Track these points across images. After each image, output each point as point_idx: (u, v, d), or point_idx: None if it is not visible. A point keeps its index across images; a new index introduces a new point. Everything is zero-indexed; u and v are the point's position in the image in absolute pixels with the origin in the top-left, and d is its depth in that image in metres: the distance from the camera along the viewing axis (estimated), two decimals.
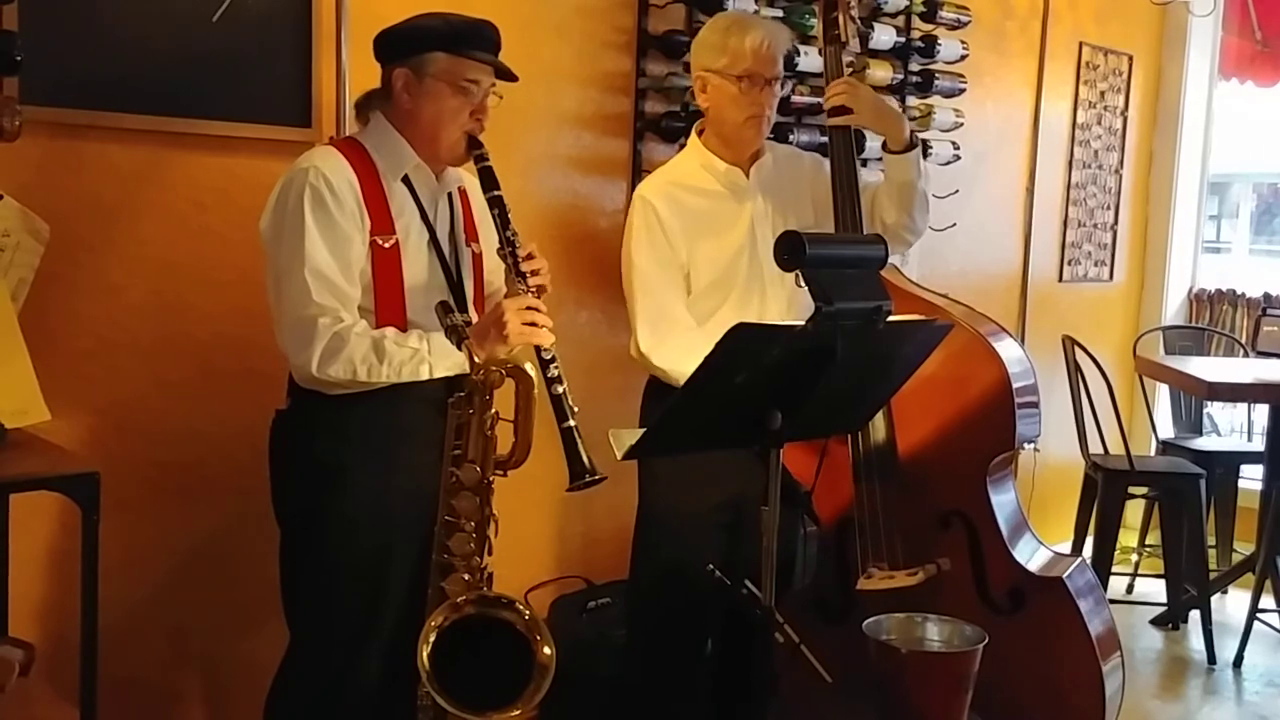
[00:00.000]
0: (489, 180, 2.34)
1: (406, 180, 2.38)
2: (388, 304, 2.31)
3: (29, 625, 2.49)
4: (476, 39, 2.34)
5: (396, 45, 2.36)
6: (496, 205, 2.33)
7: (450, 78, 2.32)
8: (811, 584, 3.02)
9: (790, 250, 2.03)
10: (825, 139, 3.99)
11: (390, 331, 2.27)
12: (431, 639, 2.12)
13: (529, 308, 2.27)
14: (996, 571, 2.84)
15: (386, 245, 2.31)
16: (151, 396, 2.71)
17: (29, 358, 2.35)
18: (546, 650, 2.16)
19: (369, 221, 2.29)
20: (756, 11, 3.64)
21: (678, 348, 2.68)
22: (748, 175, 2.87)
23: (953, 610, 2.72)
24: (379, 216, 2.31)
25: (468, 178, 2.50)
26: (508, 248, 2.32)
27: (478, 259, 2.52)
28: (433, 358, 2.26)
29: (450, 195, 2.48)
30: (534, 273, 2.33)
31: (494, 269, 2.54)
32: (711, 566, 2.38)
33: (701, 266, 2.80)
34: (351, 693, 2.35)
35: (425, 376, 2.26)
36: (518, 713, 2.14)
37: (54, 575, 2.55)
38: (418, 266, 2.36)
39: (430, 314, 2.27)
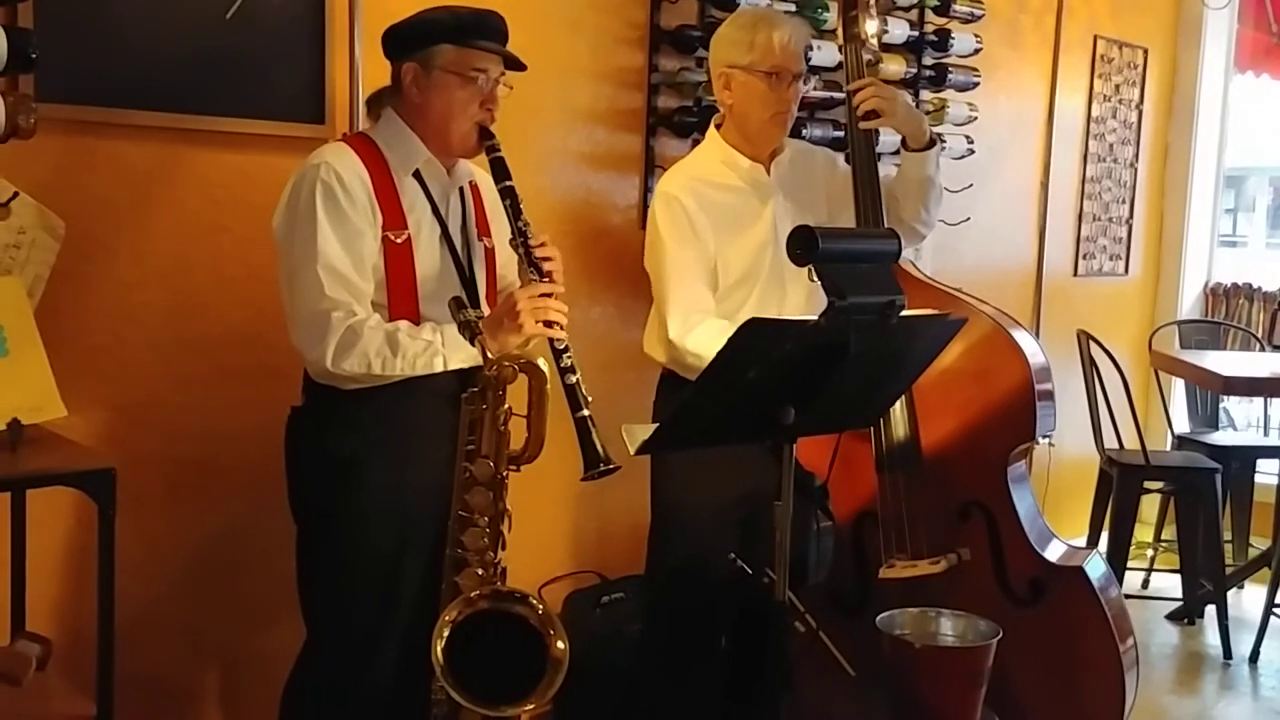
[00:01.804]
0: (501, 171, 2.35)
1: (418, 175, 2.38)
2: (400, 299, 2.32)
3: (46, 620, 2.51)
4: (483, 29, 2.34)
5: (404, 40, 2.37)
6: (508, 195, 2.34)
7: (458, 69, 2.33)
8: (828, 577, 3.01)
9: (804, 245, 2.03)
10: (839, 134, 4.02)
11: (404, 324, 2.27)
12: (445, 634, 2.12)
13: (542, 295, 2.27)
14: (1016, 562, 2.85)
15: (399, 240, 2.31)
16: (166, 393, 2.72)
17: (45, 354, 2.36)
18: (560, 645, 2.16)
19: (381, 217, 2.30)
20: (770, 5, 3.63)
21: (709, 332, 2.68)
22: (768, 171, 2.86)
23: (973, 601, 2.73)
24: (391, 212, 2.32)
25: (479, 172, 2.51)
26: (520, 238, 2.33)
27: (490, 253, 2.52)
28: (446, 350, 2.26)
29: (462, 190, 2.48)
30: (546, 260, 2.33)
31: (507, 263, 2.54)
32: (733, 555, 2.38)
33: (730, 262, 2.80)
34: (367, 688, 2.35)
35: (440, 368, 2.27)
36: (531, 707, 2.14)
37: (71, 571, 2.57)
38: (430, 261, 2.36)
39: (443, 308, 2.27)
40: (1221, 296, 6.22)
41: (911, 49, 4.28)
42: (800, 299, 2.82)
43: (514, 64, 2.38)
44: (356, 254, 2.26)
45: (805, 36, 2.84)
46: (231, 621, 2.87)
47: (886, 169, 3.16)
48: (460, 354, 2.27)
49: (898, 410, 2.86)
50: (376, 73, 2.78)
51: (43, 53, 2.32)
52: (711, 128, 2.92)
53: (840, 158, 3.09)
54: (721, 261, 2.79)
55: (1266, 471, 5.15)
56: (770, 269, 2.82)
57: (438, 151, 2.39)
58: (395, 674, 2.37)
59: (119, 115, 2.58)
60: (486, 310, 2.41)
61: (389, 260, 2.31)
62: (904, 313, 2.11)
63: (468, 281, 2.42)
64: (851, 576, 2.95)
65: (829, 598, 2.94)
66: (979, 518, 2.86)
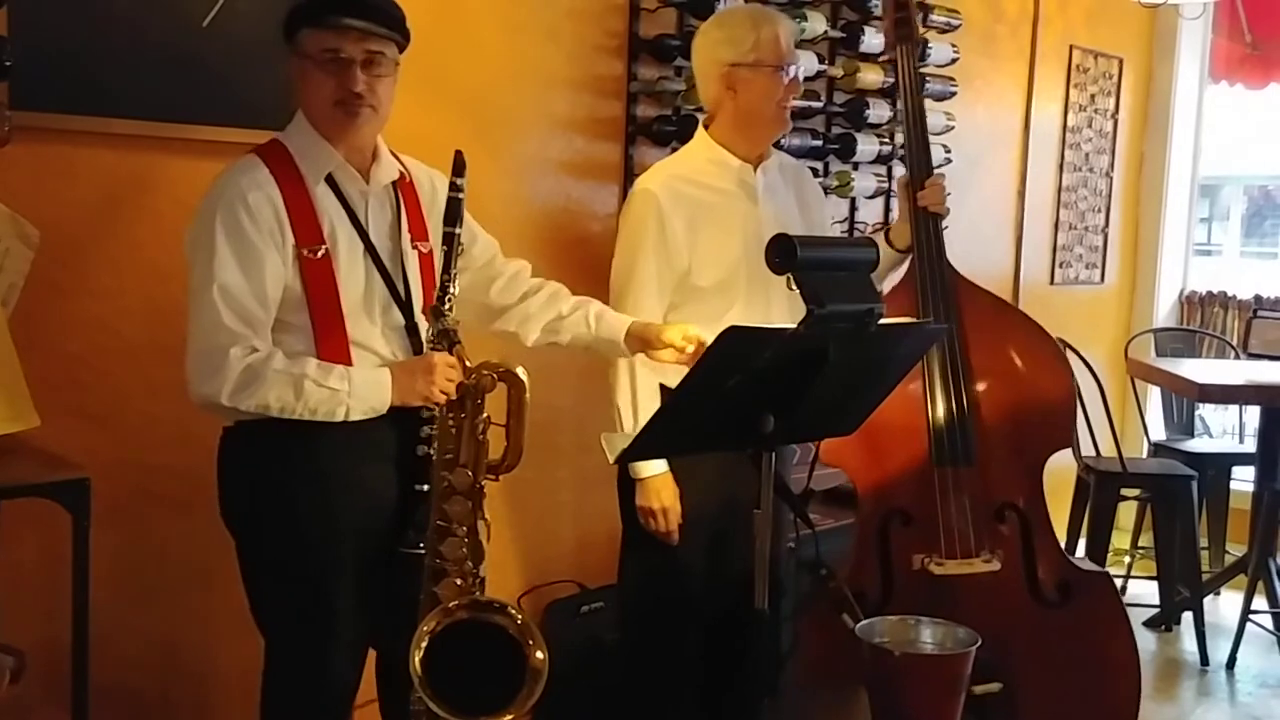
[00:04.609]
0: (452, 214, 2.21)
1: (332, 181, 2.22)
2: (324, 318, 2.18)
3: (19, 632, 2.48)
4: (333, 5, 2.14)
5: (285, 30, 2.22)
6: (447, 242, 2.21)
7: (314, 50, 2.16)
8: (850, 576, 2.98)
9: (782, 253, 2.03)
10: (817, 143, 4.03)
11: (312, 367, 2.12)
12: (424, 644, 2.11)
13: (454, 367, 2.20)
14: (1047, 565, 2.92)
15: (316, 256, 2.16)
16: (142, 402, 2.70)
17: (19, 363, 2.34)
18: (539, 655, 2.16)
19: (293, 234, 2.15)
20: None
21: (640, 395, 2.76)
22: (755, 173, 2.85)
23: (1001, 602, 2.81)
24: (304, 226, 2.16)
25: (414, 165, 2.37)
26: (440, 293, 2.21)
27: (426, 259, 2.33)
28: (352, 400, 2.13)
29: (393, 190, 2.32)
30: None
31: (487, 247, 2.50)
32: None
33: (705, 261, 2.75)
34: (325, 688, 2.30)
35: (341, 418, 2.14)
36: (510, 718, 2.13)
37: (45, 582, 2.54)
38: (353, 275, 2.21)
39: (371, 326, 2.21)
40: (1196, 304, 6.27)
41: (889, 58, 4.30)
42: (783, 307, 2.80)
43: (374, 33, 2.17)
44: (257, 280, 2.11)
45: (795, 31, 2.91)
46: (208, 632, 2.85)
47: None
48: (365, 405, 2.15)
49: (962, 403, 2.90)
50: None
51: (17, 60, 2.31)
52: (700, 128, 2.89)
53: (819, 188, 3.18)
54: (696, 261, 2.75)
55: (1242, 478, 5.17)
56: (757, 274, 2.80)
57: (335, 145, 2.22)
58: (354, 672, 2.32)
59: (95, 123, 2.56)
60: (423, 324, 2.28)
61: (308, 278, 2.16)
62: (882, 320, 2.12)
63: (398, 294, 2.27)
64: (875, 576, 2.94)
65: (848, 598, 2.94)
66: (1013, 520, 2.93)
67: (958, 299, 2.97)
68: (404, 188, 2.34)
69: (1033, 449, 2.98)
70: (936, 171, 3.05)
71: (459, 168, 2.22)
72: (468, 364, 2.20)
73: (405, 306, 2.28)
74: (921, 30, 3.06)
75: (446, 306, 2.21)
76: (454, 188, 2.22)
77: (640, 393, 2.75)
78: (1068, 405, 3.00)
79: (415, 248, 2.33)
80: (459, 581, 2.25)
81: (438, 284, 2.22)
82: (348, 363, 2.18)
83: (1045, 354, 2.99)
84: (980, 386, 2.90)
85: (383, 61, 2.20)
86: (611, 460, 2.65)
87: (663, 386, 2.74)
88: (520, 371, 2.25)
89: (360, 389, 2.14)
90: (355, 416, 2.15)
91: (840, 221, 4.23)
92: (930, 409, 2.89)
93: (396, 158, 2.35)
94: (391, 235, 2.30)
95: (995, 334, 2.97)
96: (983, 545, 2.87)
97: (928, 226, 2.97)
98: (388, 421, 2.20)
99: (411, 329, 2.28)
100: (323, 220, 2.19)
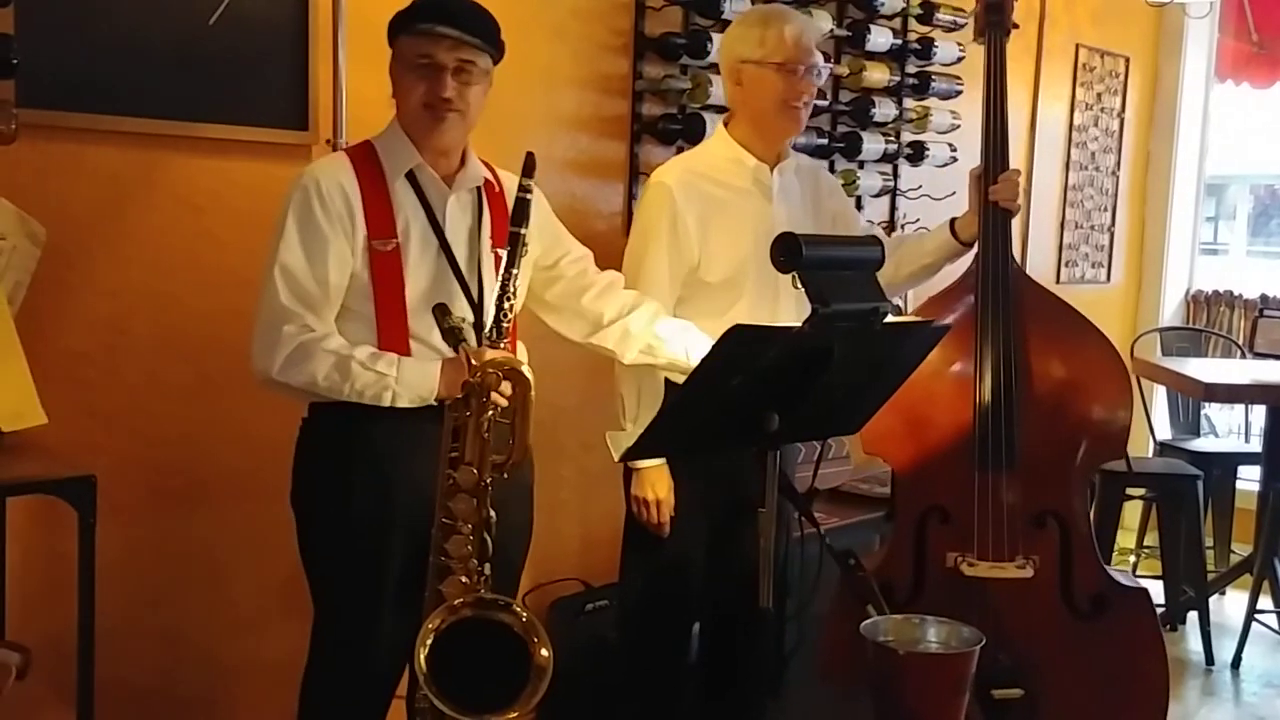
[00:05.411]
0: (519, 214, 2.26)
1: (413, 179, 2.30)
2: (387, 310, 2.25)
3: (26, 629, 2.49)
4: (426, 12, 2.24)
5: (388, 37, 2.31)
6: (513, 242, 2.26)
7: (409, 55, 2.25)
8: (880, 568, 2.98)
9: (787, 252, 2.03)
10: (823, 141, 4.03)
11: (363, 351, 2.20)
12: (429, 641, 2.11)
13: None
14: (1083, 575, 2.87)
15: (386, 249, 2.25)
16: (148, 399, 2.71)
17: (25, 361, 2.35)
18: (544, 652, 2.16)
19: (365, 226, 2.24)
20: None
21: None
22: (773, 174, 2.85)
23: (1032, 609, 2.78)
24: (377, 219, 2.25)
25: (512, 180, 2.40)
26: (500, 292, 2.25)
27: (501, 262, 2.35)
28: (399, 386, 2.20)
29: (478, 195, 2.38)
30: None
31: (579, 259, 2.54)
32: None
33: (715, 257, 2.75)
34: (365, 673, 2.34)
35: (388, 404, 2.20)
36: (515, 715, 2.13)
37: (51, 579, 2.55)
38: (420, 271, 2.28)
39: (435, 323, 2.24)
40: (1203, 304, 6.26)
41: (895, 57, 4.29)
42: (791, 307, 2.79)
43: (467, 43, 2.24)
44: (320, 263, 2.20)
45: (816, 31, 2.86)
46: (214, 629, 2.86)
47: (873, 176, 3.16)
48: (412, 393, 2.21)
49: (1008, 410, 2.84)
50: (360, 79, 2.79)
51: (24, 58, 2.31)
52: (719, 125, 2.88)
53: (839, 183, 3.15)
54: (706, 256, 2.74)
55: (1247, 478, 5.17)
56: (764, 272, 2.79)
57: (419, 147, 2.29)
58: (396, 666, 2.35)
59: (101, 121, 2.57)
60: (488, 324, 2.31)
61: (375, 270, 2.24)
62: (887, 319, 2.11)
63: (470, 294, 2.33)
64: (907, 571, 2.92)
65: (876, 591, 2.93)
66: (1053, 527, 2.87)
67: (1020, 298, 2.88)
68: (491, 194, 2.41)
69: (1081, 458, 2.91)
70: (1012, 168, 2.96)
71: (529, 169, 2.27)
72: (473, 362, 2.21)
73: (476, 307, 2.33)
74: (1013, 19, 2.99)
75: (508, 304, 2.25)
76: (522, 188, 2.27)
77: (644, 385, 2.75)
78: (1124, 417, 2.91)
79: (495, 252, 2.38)
80: (464, 579, 2.25)
81: (499, 282, 2.26)
82: (405, 354, 2.25)
83: (1106, 363, 2.90)
84: (1034, 390, 2.83)
85: (473, 70, 2.28)
86: (616, 458, 2.66)
87: (668, 381, 2.75)
88: (525, 369, 2.25)
89: (407, 377, 2.21)
90: (402, 403, 2.22)
91: None
92: (977, 408, 2.85)
93: (492, 170, 2.43)
94: (470, 238, 2.36)
95: (1056, 338, 2.89)
96: (1017, 550, 2.82)
97: (997, 222, 2.89)
98: (436, 416, 2.23)
99: (479, 328, 2.32)
100: (398, 215, 2.28)
